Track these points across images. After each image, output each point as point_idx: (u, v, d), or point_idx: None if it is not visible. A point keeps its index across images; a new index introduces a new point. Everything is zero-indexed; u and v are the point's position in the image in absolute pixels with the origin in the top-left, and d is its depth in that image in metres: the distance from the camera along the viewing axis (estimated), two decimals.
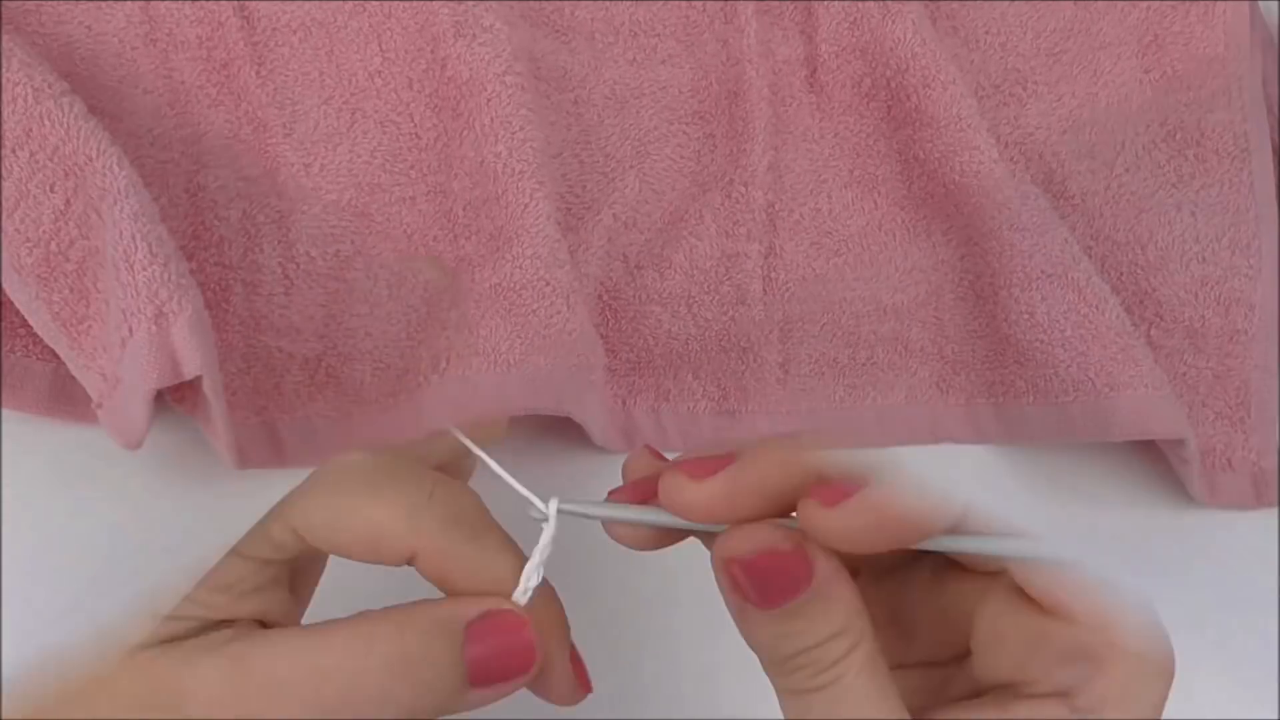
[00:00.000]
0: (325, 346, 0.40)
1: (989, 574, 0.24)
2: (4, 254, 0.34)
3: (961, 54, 0.49)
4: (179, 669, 0.23)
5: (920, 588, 0.26)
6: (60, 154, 0.34)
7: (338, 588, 0.29)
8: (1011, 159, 0.46)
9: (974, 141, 0.45)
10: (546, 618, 0.25)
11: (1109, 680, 0.22)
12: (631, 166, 0.45)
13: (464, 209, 0.42)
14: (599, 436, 0.41)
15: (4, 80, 0.34)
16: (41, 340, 0.36)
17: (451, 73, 0.42)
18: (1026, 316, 0.45)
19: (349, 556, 0.25)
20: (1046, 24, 0.50)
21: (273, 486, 0.27)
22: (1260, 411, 0.47)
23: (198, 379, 0.34)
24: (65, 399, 0.37)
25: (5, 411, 0.37)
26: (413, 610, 0.24)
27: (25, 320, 0.36)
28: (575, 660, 0.26)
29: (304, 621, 0.27)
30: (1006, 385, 0.46)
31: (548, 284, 0.39)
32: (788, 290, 0.45)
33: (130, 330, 0.33)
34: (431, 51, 0.43)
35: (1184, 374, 0.47)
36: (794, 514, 0.23)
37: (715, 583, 0.23)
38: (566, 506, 0.25)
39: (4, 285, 0.35)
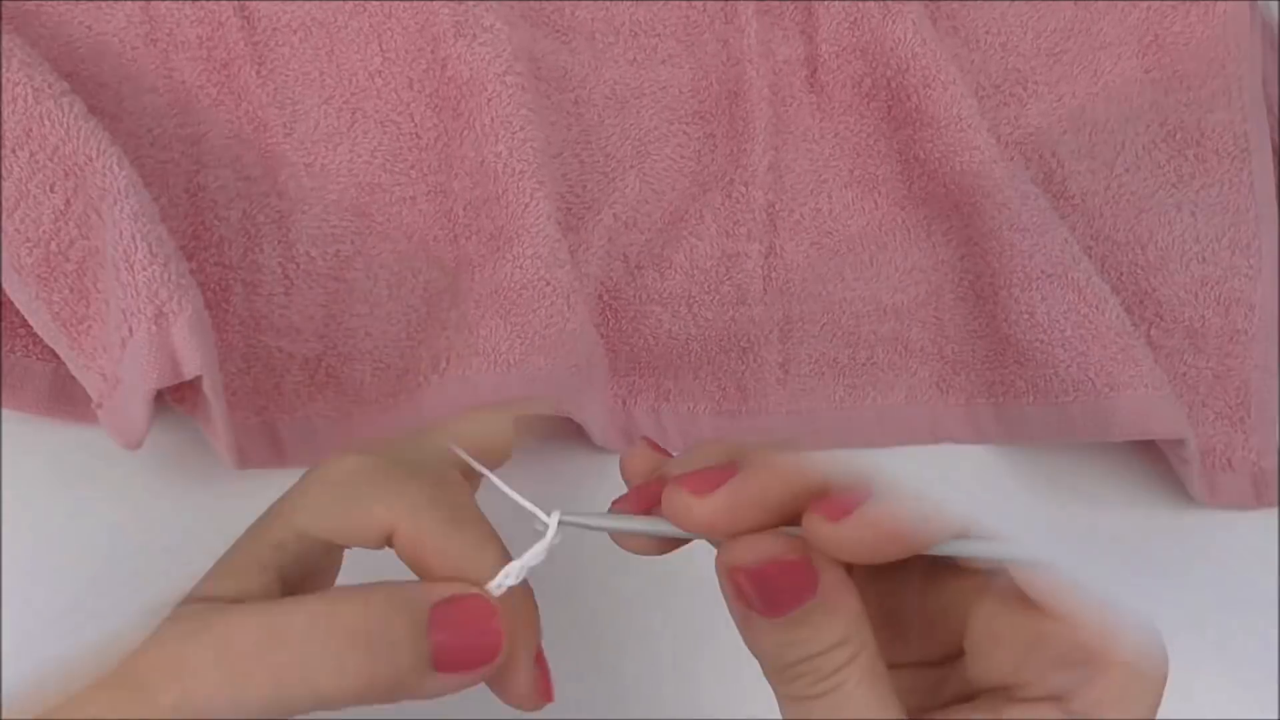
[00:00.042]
0: (325, 346, 0.40)
1: (984, 575, 0.24)
2: (4, 254, 0.34)
3: (962, 54, 0.49)
4: (142, 646, 0.23)
5: (914, 589, 0.26)
6: (60, 154, 0.34)
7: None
8: (1011, 159, 0.46)
9: (974, 141, 0.45)
10: (518, 616, 0.25)
11: (1104, 684, 0.22)
12: (632, 166, 0.45)
13: (464, 209, 0.42)
14: (599, 436, 0.41)
15: (4, 80, 0.34)
16: (41, 340, 0.36)
17: (452, 73, 0.42)
18: (1026, 316, 0.45)
19: (329, 536, 0.24)
20: (1046, 24, 0.50)
21: (273, 486, 0.27)
22: (1260, 411, 0.47)
23: (198, 379, 0.34)
24: (65, 399, 0.37)
25: (5, 411, 0.37)
26: (380, 586, 0.24)
27: (25, 320, 0.36)
28: (541, 666, 0.26)
29: None
30: (1006, 385, 0.46)
31: (548, 284, 0.39)
32: (788, 290, 0.45)
33: (130, 330, 0.33)
34: (432, 51, 0.43)
35: (1184, 374, 0.47)
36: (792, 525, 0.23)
37: (719, 588, 0.23)
38: (569, 518, 0.25)
39: (4, 285, 0.35)
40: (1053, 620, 0.23)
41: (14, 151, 0.34)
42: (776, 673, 0.23)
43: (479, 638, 0.24)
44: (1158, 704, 0.23)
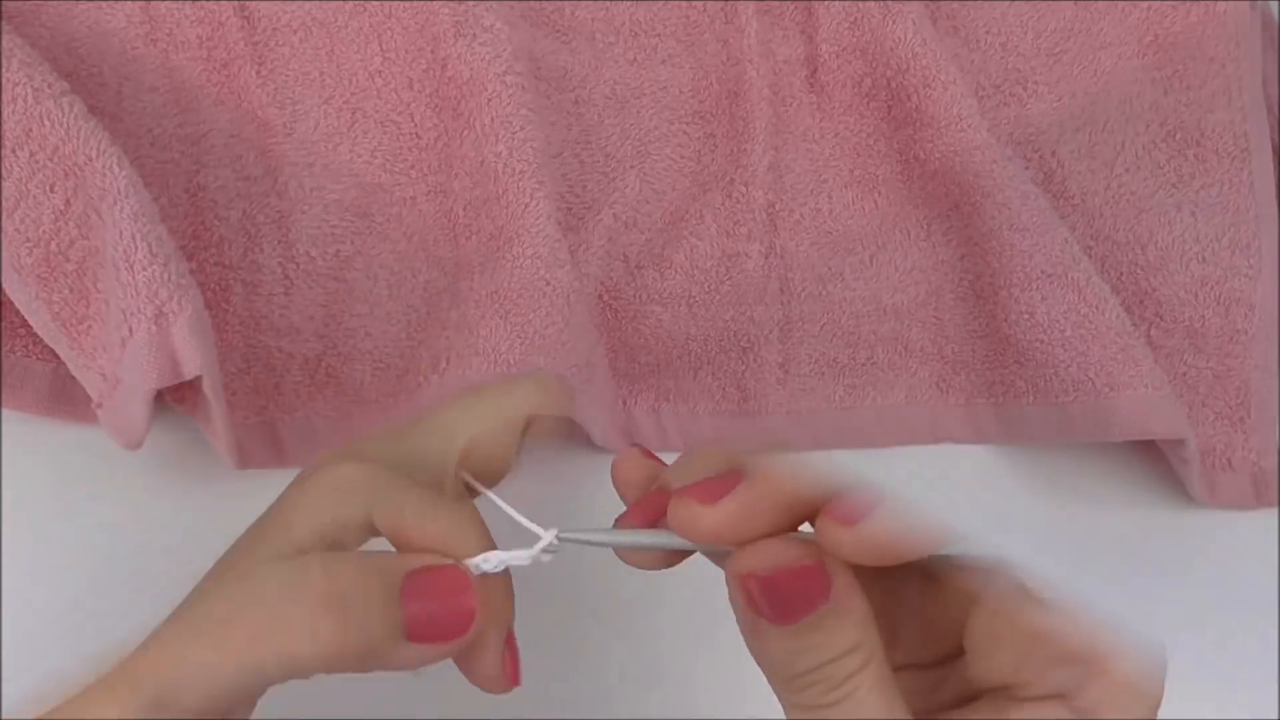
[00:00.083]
0: (325, 346, 0.40)
1: (982, 575, 0.24)
2: (4, 254, 0.34)
3: (962, 54, 0.49)
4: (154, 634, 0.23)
5: (912, 590, 0.26)
6: (60, 154, 0.34)
7: None
8: (1010, 159, 0.46)
9: (976, 141, 0.45)
10: (492, 596, 0.25)
11: (1108, 680, 0.22)
12: (632, 166, 0.45)
13: (464, 209, 0.42)
14: (599, 436, 0.41)
15: (4, 80, 0.34)
16: (41, 340, 0.36)
17: (452, 73, 0.42)
18: (1026, 316, 0.45)
19: (355, 511, 0.25)
20: (1046, 24, 0.50)
21: (272, 486, 0.27)
22: (1260, 411, 0.47)
23: (198, 379, 0.34)
24: (65, 399, 0.37)
25: (5, 411, 0.37)
26: (354, 554, 0.24)
27: (25, 320, 0.36)
28: (511, 650, 0.26)
29: None
30: (1006, 385, 0.46)
31: (548, 284, 0.39)
32: (789, 290, 0.45)
33: (130, 330, 0.33)
34: (432, 51, 0.43)
35: (1184, 374, 0.47)
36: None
37: (729, 598, 0.23)
38: (568, 535, 0.25)
39: (4, 285, 0.35)
40: (1052, 619, 0.23)
41: (14, 151, 0.34)
42: (786, 682, 0.23)
43: (451, 609, 0.24)
44: (1159, 703, 0.23)
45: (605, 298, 0.44)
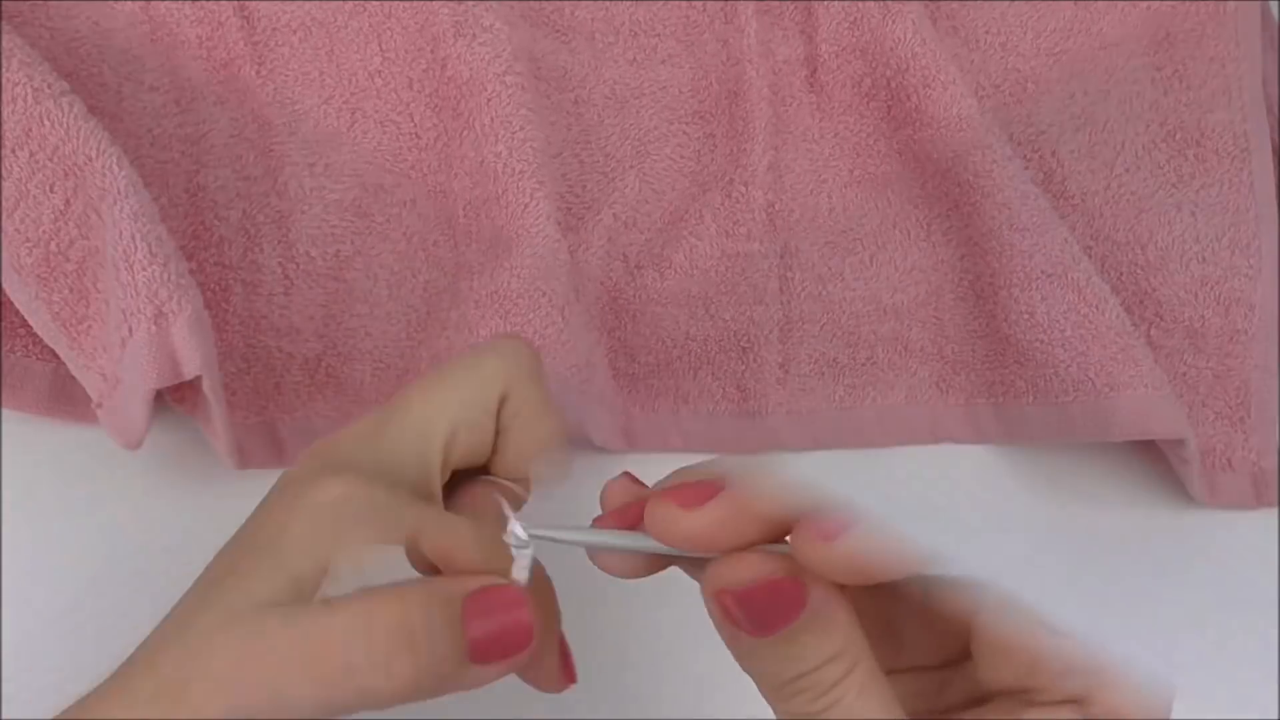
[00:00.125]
0: (325, 346, 0.40)
1: (973, 591, 0.24)
2: (4, 254, 0.34)
3: (962, 54, 0.49)
4: (180, 655, 0.23)
5: (914, 594, 0.26)
6: (60, 154, 0.34)
7: None
8: (1011, 159, 0.46)
9: (976, 141, 0.45)
10: (540, 603, 0.25)
11: (1121, 687, 0.22)
12: (631, 166, 0.45)
13: (464, 211, 0.42)
14: (599, 437, 0.41)
15: (4, 80, 0.34)
16: (41, 340, 0.36)
17: (452, 73, 0.42)
18: (1026, 316, 0.45)
19: (356, 540, 0.25)
20: (1047, 24, 0.50)
21: (272, 486, 0.27)
22: (1260, 411, 0.47)
23: (198, 379, 0.34)
24: (65, 399, 0.37)
25: (5, 411, 0.37)
26: (414, 584, 0.24)
27: (25, 320, 0.36)
28: (563, 649, 0.27)
29: None
30: (1006, 385, 0.46)
31: (548, 285, 0.39)
32: (789, 290, 0.45)
33: (130, 330, 0.33)
34: (431, 51, 0.43)
35: (1184, 374, 0.47)
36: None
37: (706, 612, 0.23)
38: (538, 532, 0.25)
39: (4, 285, 0.35)
40: (1050, 636, 0.23)
41: (14, 151, 0.34)
42: (774, 691, 0.23)
43: (512, 626, 0.24)
44: (1169, 708, 0.23)
45: (605, 298, 0.44)
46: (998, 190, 0.45)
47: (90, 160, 0.34)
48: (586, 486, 0.42)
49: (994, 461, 0.46)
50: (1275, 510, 0.46)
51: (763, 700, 0.24)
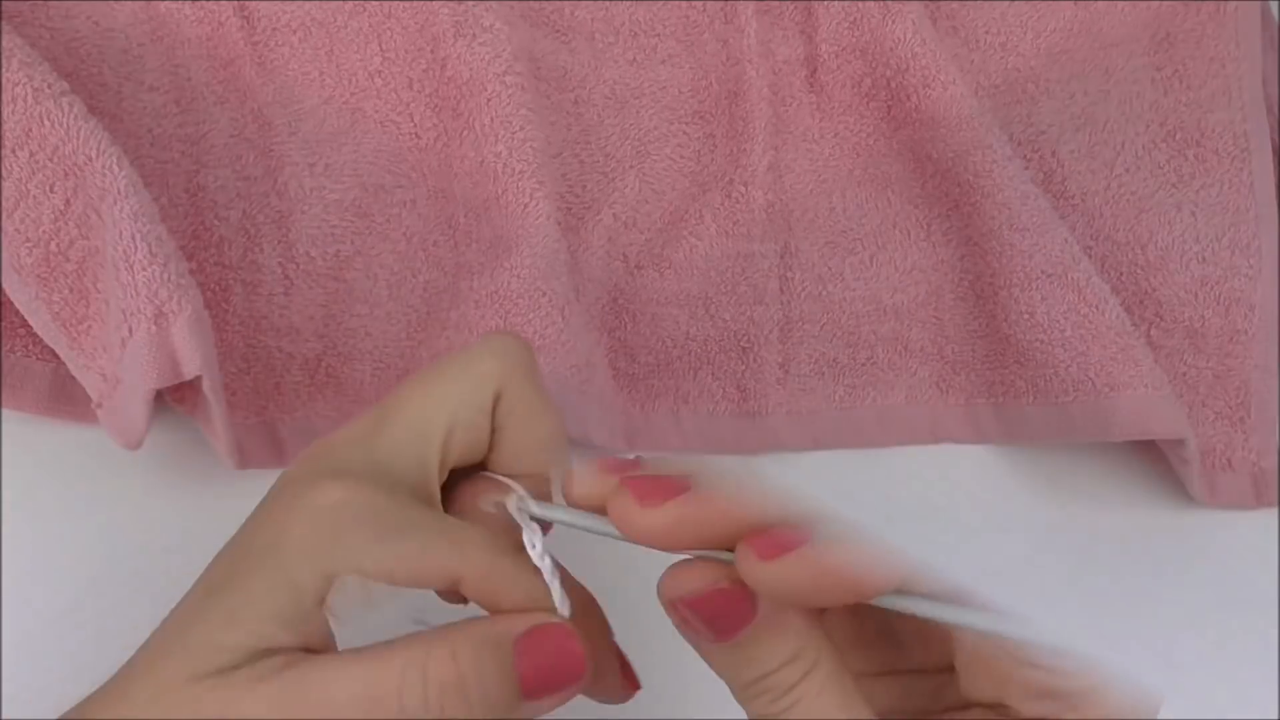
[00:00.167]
0: (325, 346, 0.40)
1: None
2: (4, 254, 0.34)
3: (962, 54, 0.49)
4: (233, 699, 0.23)
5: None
6: (60, 154, 0.34)
7: None
8: (1011, 159, 0.46)
9: (976, 141, 0.45)
10: (590, 623, 0.26)
11: (1097, 706, 0.22)
12: (631, 166, 0.45)
13: (465, 214, 0.42)
14: (599, 437, 0.41)
15: (4, 80, 0.34)
16: (41, 340, 0.36)
17: (451, 73, 0.42)
18: (1026, 316, 0.45)
19: (394, 584, 0.25)
20: (1046, 23, 0.50)
21: (272, 487, 0.27)
22: (1260, 411, 0.47)
23: (198, 379, 0.34)
24: (65, 399, 0.37)
25: (5, 411, 0.37)
26: (463, 630, 0.24)
27: (25, 320, 0.36)
28: (621, 660, 0.27)
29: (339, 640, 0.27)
30: (1006, 385, 0.46)
31: (544, 294, 0.39)
32: (789, 290, 0.45)
33: (130, 330, 0.33)
34: (431, 51, 0.43)
35: (1184, 374, 0.47)
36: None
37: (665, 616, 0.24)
38: (533, 508, 0.25)
39: (4, 285, 0.35)
40: (1025, 661, 0.23)
41: (14, 151, 0.34)
42: (738, 691, 0.24)
43: (564, 663, 0.24)
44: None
45: (605, 298, 0.44)
46: (998, 190, 0.45)
47: (90, 160, 0.34)
48: None
49: (994, 461, 0.46)
50: (1275, 510, 0.46)
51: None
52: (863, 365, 0.46)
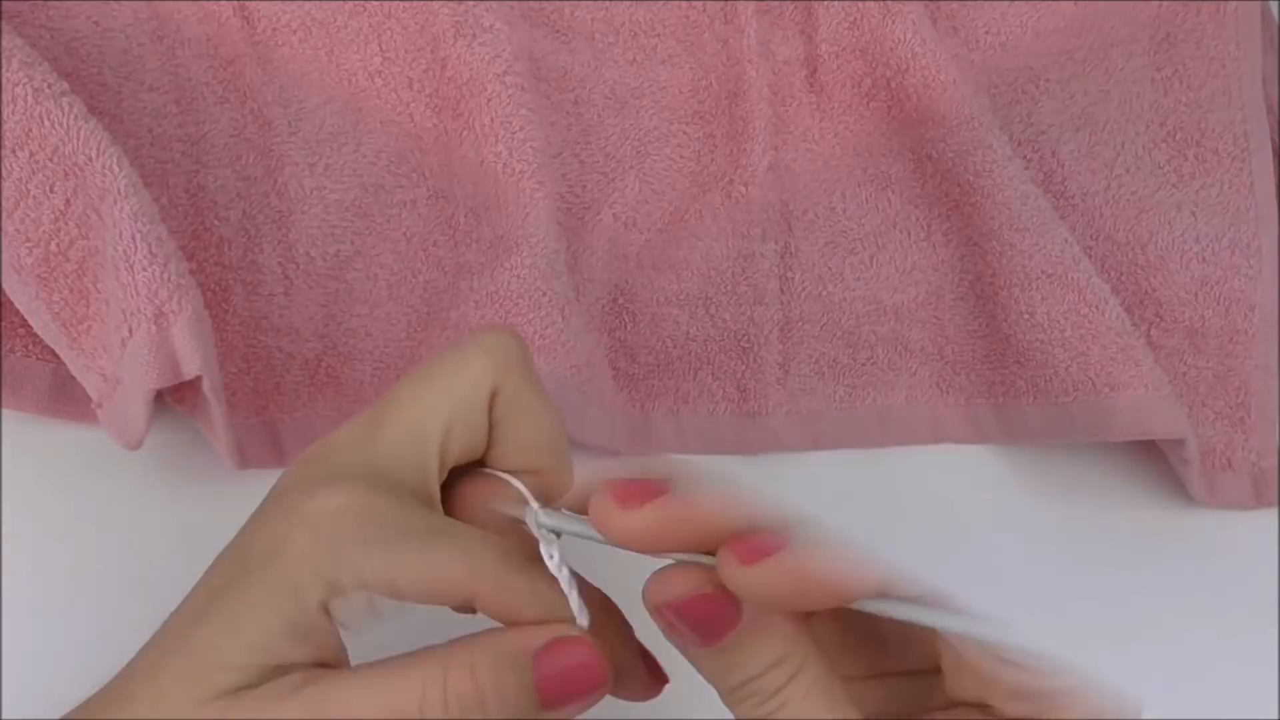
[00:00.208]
0: (325, 346, 0.40)
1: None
2: (4, 254, 0.34)
3: (962, 54, 0.49)
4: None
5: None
6: (60, 154, 0.34)
7: None
8: (1014, 159, 0.46)
9: (977, 141, 0.45)
10: (609, 626, 0.26)
11: (1075, 707, 0.22)
12: (632, 167, 0.45)
13: (465, 215, 0.42)
14: (599, 437, 0.41)
15: (4, 80, 0.34)
16: (41, 340, 0.36)
17: (452, 73, 0.42)
18: (1026, 316, 0.45)
19: (398, 591, 0.24)
20: (1046, 23, 0.50)
21: (272, 487, 0.27)
22: (1260, 411, 0.47)
23: (198, 379, 0.34)
24: (65, 399, 0.37)
25: (5, 411, 0.37)
26: (481, 644, 0.24)
27: (25, 320, 0.36)
28: (645, 657, 0.27)
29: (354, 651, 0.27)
30: (1006, 385, 0.46)
31: (544, 294, 0.39)
32: (789, 290, 0.45)
33: (130, 330, 0.33)
34: (432, 52, 0.43)
35: (1184, 374, 0.47)
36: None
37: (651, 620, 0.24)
38: (552, 522, 0.25)
39: (4, 285, 0.35)
40: (1006, 665, 0.23)
41: (14, 151, 0.34)
42: (724, 695, 0.24)
43: (584, 675, 0.24)
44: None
45: (605, 298, 0.44)
46: (998, 190, 0.45)
47: (90, 160, 0.34)
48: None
49: (994, 461, 0.46)
50: (1275, 510, 0.46)
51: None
52: (863, 365, 0.46)
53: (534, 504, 0.26)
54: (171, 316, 0.33)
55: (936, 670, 0.25)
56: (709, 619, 0.22)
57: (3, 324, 0.37)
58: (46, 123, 0.34)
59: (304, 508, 0.25)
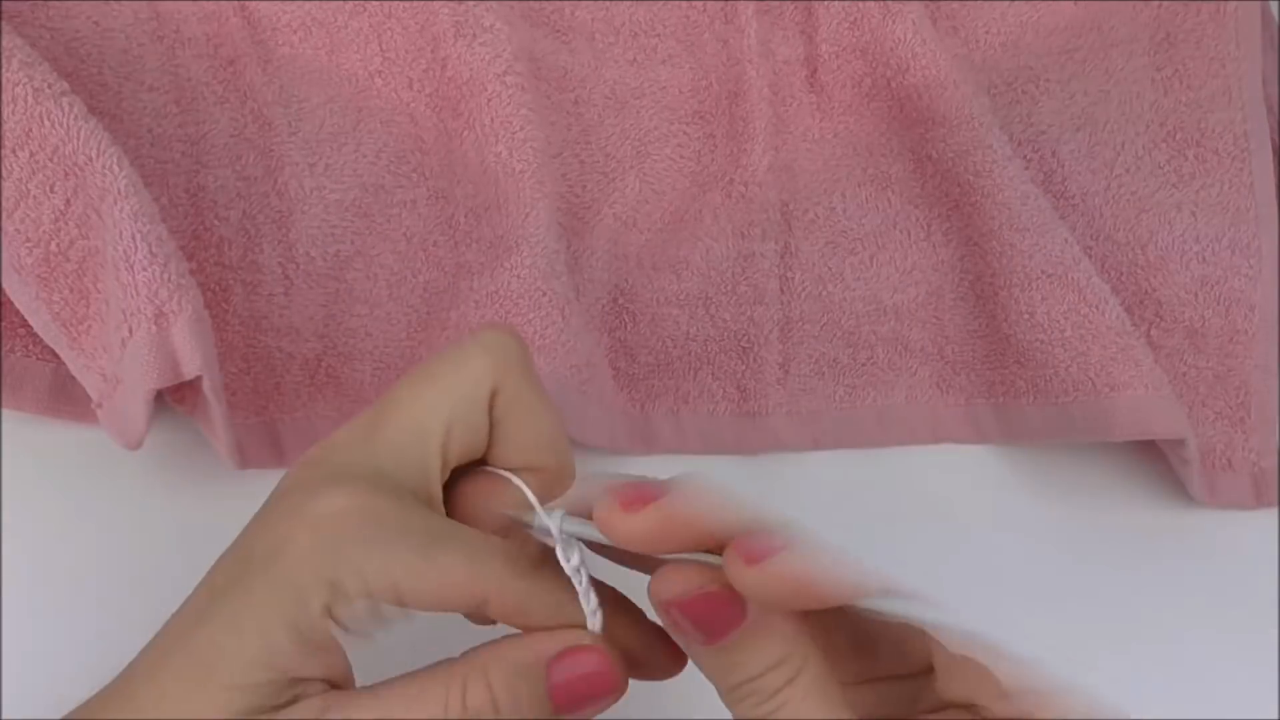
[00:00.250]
0: (325, 346, 0.40)
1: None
2: (4, 254, 0.34)
3: (962, 54, 0.49)
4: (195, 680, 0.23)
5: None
6: (60, 154, 0.34)
7: None
8: (1014, 159, 0.46)
9: (977, 141, 0.45)
10: (624, 617, 0.26)
11: (1062, 710, 0.22)
12: (632, 167, 0.45)
13: (465, 216, 0.42)
14: (599, 437, 0.41)
15: (4, 80, 0.34)
16: (41, 340, 0.36)
17: (452, 73, 0.43)
18: (1026, 316, 0.45)
19: (414, 608, 0.25)
20: (1049, 23, 0.50)
21: (272, 486, 0.27)
22: (1260, 411, 0.47)
23: (198, 379, 0.34)
24: (65, 399, 0.37)
25: (5, 411, 0.37)
26: (494, 655, 0.24)
27: (25, 320, 0.36)
28: (663, 638, 0.27)
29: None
30: (1006, 385, 0.46)
31: (544, 294, 0.39)
32: (790, 290, 0.45)
33: (130, 330, 0.33)
34: (432, 52, 0.43)
35: (1184, 374, 0.47)
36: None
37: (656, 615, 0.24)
38: (574, 529, 0.25)
39: (4, 285, 0.35)
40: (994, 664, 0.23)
41: (14, 151, 0.34)
42: (724, 694, 0.24)
43: (597, 683, 0.25)
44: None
45: (605, 298, 0.44)
46: (998, 190, 0.45)
47: (90, 160, 0.34)
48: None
49: (994, 461, 0.46)
50: (1275, 510, 0.46)
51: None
52: (863, 365, 0.46)
53: (538, 507, 0.26)
54: (171, 316, 0.33)
55: (925, 674, 0.25)
56: (713, 617, 0.23)
57: (3, 324, 0.37)
58: (46, 123, 0.34)
59: (306, 508, 0.25)
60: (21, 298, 0.35)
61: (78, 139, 0.34)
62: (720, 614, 0.23)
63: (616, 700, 0.25)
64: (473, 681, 0.24)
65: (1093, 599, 0.44)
